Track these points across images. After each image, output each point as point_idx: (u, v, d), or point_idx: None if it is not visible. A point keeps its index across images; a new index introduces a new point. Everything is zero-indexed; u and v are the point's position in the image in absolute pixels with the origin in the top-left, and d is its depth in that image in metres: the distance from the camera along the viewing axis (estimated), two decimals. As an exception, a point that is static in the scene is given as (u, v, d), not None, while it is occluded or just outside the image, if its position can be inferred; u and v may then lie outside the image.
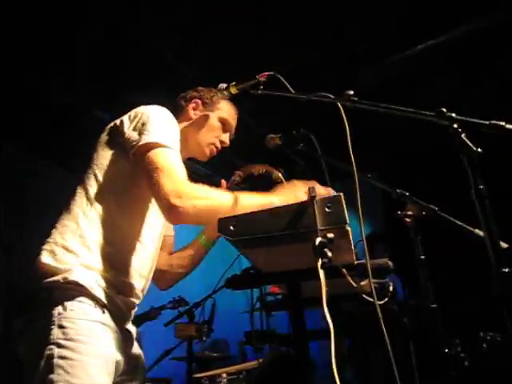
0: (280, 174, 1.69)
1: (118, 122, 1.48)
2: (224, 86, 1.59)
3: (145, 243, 1.47)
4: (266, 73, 1.57)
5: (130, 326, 1.47)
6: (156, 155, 1.32)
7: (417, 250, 1.60)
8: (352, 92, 1.41)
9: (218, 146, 1.74)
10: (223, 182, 1.80)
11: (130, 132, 1.40)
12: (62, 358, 1.17)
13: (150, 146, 1.33)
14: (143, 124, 1.39)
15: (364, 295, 1.34)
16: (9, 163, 4.26)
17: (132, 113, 1.47)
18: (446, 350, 2.48)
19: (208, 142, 1.72)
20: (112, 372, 1.28)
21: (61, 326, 1.20)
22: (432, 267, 1.64)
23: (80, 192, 1.41)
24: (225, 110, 1.76)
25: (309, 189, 1.06)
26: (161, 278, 1.68)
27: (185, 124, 1.72)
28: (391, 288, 2.48)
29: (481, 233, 1.46)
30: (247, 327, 4.52)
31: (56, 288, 1.25)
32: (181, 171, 1.33)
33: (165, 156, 1.33)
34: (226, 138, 1.76)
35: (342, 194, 1.07)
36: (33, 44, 3.47)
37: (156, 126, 1.39)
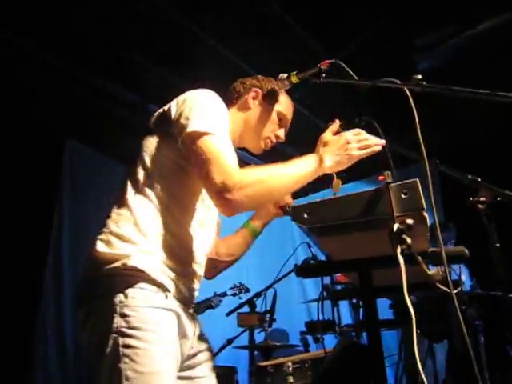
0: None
1: (166, 107, 1.44)
2: (285, 75, 1.57)
3: (199, 228, 1.44)
4: (328, 60, 1.55)
5: (192, 311, 1.46)
6: (205, 144, 1.28)
7: (491, 237, 1.54)
8: (420, 76, 1.37)
9: (274, 140, 1.69)
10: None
11: (177, 118, 1.36)
12: (127, 346, 1.17)
13: (198, 134, 1.29)
14: (190, 109, 1.34)
15: (438, 284, 1.31)
16: (72, 158, 4.46)
17: (180, 98, 1.43)
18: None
19: (265, 136, 1.67)
20: (178, 356, 1.29)
21: (123, 315, 1.19)
22: (507, 256, 1.58)
23: (130, 180, 1.39)
24: (283, 104, 1.70)
25: (384, 174, 1.04)
26: (208, 265, 1.59)
27: (243, 113, 1.67)
28: (463, 277, 2.42)
29: None
30: (304, 318, 4.55)
31: (116, 275, 1.24)
32: (230, 159, 1.29)
33: (214, 145, 1.28)
34: (281, 133, 1.71)
35: (417, 179, 1.05)
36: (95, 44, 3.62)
37: (204, 112, 1.34)
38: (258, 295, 3.27)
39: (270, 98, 1.68)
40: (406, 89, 1.34)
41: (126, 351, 1.16)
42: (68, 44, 3.64)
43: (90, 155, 4.60)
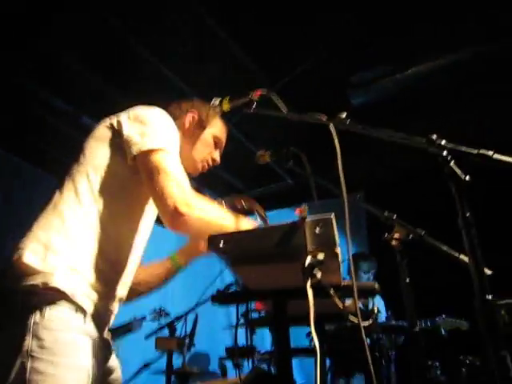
0: (262, 212, 1.67)
1: (114, 121, 1.41)
2: (217, 101, 1.59)
3: (132, 251, 1.42)
4: (259, 91, 1.59)
5: (107, 334, 1.42)
6: (161, 159, 1.29)
7: (402, 273, 1.62)
8: (344, 115, 1.43)
9: (210, 162, 1.72)
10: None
11: (130, 134, 1.34)
12: (36, 371, 1.09)
13: (155, 152, 1.30)
14: (145, 127, 1.34)
15: (350, 315, 1.35)
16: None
17: (131, 113, 1.42)
18: (427, 374, 2.51)
19: (201, 158, 1.69)
20: (89, 382, 1.20)
21: (36, 337, 1.11)
22: (417, 290, 1.66)
23: (68, 188, 1.33)
24: (218, 127, 1.74)
25: (301, 208, 1.07)
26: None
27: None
28: (376, 310, 2.51)
29: (465, 258, 1.49)
30: (227, 343, 4.52)
31: (35, 292, 1.15)
32: (186, 179, 1.31)
33: (170, 161, 1.30)
34: (217, 155, 1.74)
35: (332, 215, 1.08)
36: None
37: (160, 130, 1.36)
38: (178, 319, 3.21)
39: (204, 121, 1.70)
40: (330, 126, 1.40)
41: (34, 377, 1.08)
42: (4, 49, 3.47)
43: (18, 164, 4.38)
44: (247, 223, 1.38)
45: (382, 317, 3.57)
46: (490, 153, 1.09)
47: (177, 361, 3.31)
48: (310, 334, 2.91)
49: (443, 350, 2.91)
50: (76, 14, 3.23)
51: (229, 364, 3.37)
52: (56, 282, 1.18)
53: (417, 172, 4.69)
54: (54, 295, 1.16)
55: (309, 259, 1.00)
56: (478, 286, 0.98)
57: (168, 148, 1.32)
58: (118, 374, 1.46)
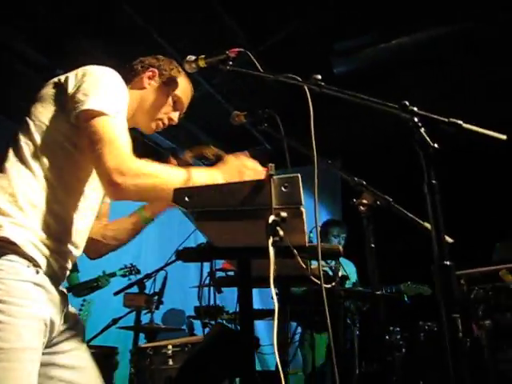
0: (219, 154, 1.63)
1: (62, 78, 1.38)
2: (193, 58, 1.55)
3: (81, 210, 1.41)
4: (237, 49, 1.55)
5: (63, 288, 1.43)
6: (100, 125, 1.26)
7: (368, 237, 1.64)
8: (319, 76, 1.41)
9: (166, 122, 1.66)
10: (171, 158, 1.69)
11: (74, 91, 1.31)
12: None
13: (96, 114, 1.26)
14: (90, 86, 1.30)
15: (313, 278, 1.36)
16: None
17: (80, 71, 1.37)
18: (387, 337, 2.59)
19: (156, 117, 1.63)
20: (45, 333, 1.24)
21: None
22: (381, 256, 1.69)
23: (14, 148, 1.33)
24: (181, 87, 1.67)
25: (268, 166, 1.06)
26: (92, 246, 1.58)
27: (136, 92, 1.61)
28: (340, 273, 2.56)
29: (429, 226, 1.52)
30: (197, 302, 4.57)
31: None
32: (126, 144, 1.27)
33: (110, 126, 1.26)
34: (175, 116, 1.67)
35: (298, 174, 1.08)
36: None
37: (103, 90, 1.31)
38: (148, 276, 3.23)
39: (166, 79, 1.65)
40: (305, 87, 1.39)
41: None
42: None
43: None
44: (194, 173, 1.32)
45: (354, 282, 3.66)
46: (460, 122, 1.10)
47: (146, 318, 3.34)
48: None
49: (405, 315, 3.02)
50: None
51: (197, 324, 3.43)
52: (6, 233, 1.20)
53: (392, 140, 4.73)
54: (4, 247, 1.18)
55: (272, 217, 1.00)
56: (437, 251, 1.00)
57: (110, 111, 1.28)
58: (79, 320, 1.49)
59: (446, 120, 1.11)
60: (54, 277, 1.32)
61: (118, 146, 1.24)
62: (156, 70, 1.64)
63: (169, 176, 1.27)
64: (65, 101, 1.33)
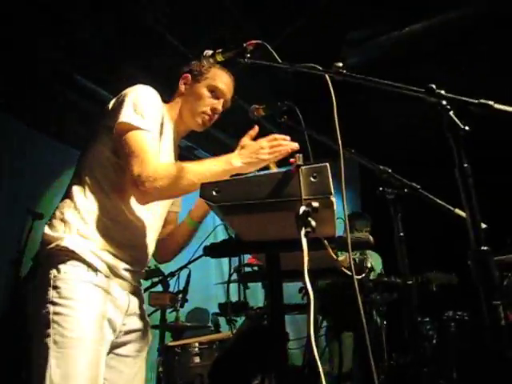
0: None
1: (109, 103, 1.57)
2: (210, 52, 1.55)
3: (138, 216, 1.54)
4: (254, 41, 1.54)
5: (133, 291, 1.55)
6: (129, 138, 1.42)
7: (396, 227, 1.61)
8: (341, 64, 1.39)
9: (210, 113, 1.73)
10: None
11: (112, 110, 1.51)
12: (57, 314, 1.31)
13: (125, 127, 1.43)
14: (123, 103, 1.48)
15: (343, 269, 1.34)
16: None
17: (122, 92, 1.55)
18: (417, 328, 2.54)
19: (198, 111, 1.72)
20: (104, 326, 1.39)
21: (55, 287, 1.35)
22: (411, 244, 1.65)
23: (77, 171, 1.55)
24: (213, 76, 1.75)
25: (295, 157, 1.04)
26: (158, 251, 1.73)
27: (178, 99, 1.76)
28: (369, 264, 2.53)
29: (461, 212, 1.48)
30: (220, 299, 4.58)
31: (52, 254, 1.39)
32: (150, 153, 1.41)
33: (136, 138, 1.42)
34: (218, 104, 1.74)
35: (327, 164, 1.06)
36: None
37: (135, 106, 1.46)
38: (171, 275, 3.23)
39: (197, 76, 1.75)
40: (326, 76, 1.36)
41: (56, 318, 1.31)
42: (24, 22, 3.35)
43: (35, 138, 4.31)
44: (207, 162, 1.46)
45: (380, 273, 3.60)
46: (491, 102, 1.06)
47: (171, 316, 3.35)
48: (301, 289, 2.94)
49: (433, 305, 2.96)
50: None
51: (223, 320, 3.42)
52: (66, 243, 1.39)
53: (413, 126, 4.65)
54: (66, 255, 1.39)
55: (303, 207, 0.98)
56: (473, 236, 0.96)
57: (137, 124, 1.43)
58: (142, 325, 1.60)
59: (476, 101, 1.07)
60: (117, 280, 1.47)
61: (143, 156, 1.39)
62: (188, 74, 1.77)
63: (185, 172, 1.40)
64: (108, 119, 1.50)
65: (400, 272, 1.63)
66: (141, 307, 1.60)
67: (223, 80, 1.76)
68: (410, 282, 1.57)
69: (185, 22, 3.71)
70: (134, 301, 1.56)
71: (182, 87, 1.77)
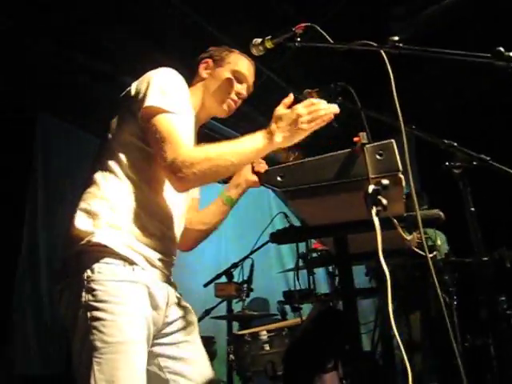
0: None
1: (131, 87, 1.49)
2: (259, 40, 1.54)
3: (166, 204, 1.47)
4: (303, 24, 1.51)
5: (169, 281, 1.49)
6: (158, 122, 1.35)
7: (467, 202, 1.54)
8: (397, 38, 1.34)
9: (235, 98, 1.68)
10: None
11: (136, 95, 1.42)
12: (95, 319, 1.24)
13: (154, 111, 1.35)
14: (148, 86, 1.40)
15: (415, 248, 1.30)
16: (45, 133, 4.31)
17: (143, 76, 1.48)
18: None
19: (223, 98, 1.67)
20: (147, 325, 1.32)
21: (90, 289, 1.26)
22: (482, 220, 1.58)
23: (98, 159, 1.45)
24: (235, 61, 1.70)
25: (359, 135, 1.01)
26: (181, 238, 1.61)
27: (199, 85, 1.70)
28: (439, 242, 2.45)
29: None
30: (283, 287, 4.58)
31: (83, 252, 1.29)
32: (183, 137, 1.35)
33: (168, 123, 1.35)
34: (242, 89, 1.69)
35: (393, 140, 1.02)
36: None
37: (161, 89, 1.39)
38: (235, 266, 3.26)
39: (219, 61, 1.70)
40: (382, 51, 1.32)
41: (94, 324, 1.24)
42: (41, 15, 3.48)
43: (63, 129, 4.46)
44: (244, 141, 1.35)
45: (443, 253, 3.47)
46: None
47: (236, 306, 3.39)
48: (368, 273, 2.89)
49: (508, 283, 2.82)
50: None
51: (287, 308, 3.42)
52: (98, 238, 1.29)
53: (472, 98, 4.41)
54: (100, 251, 1.29)
55: (372, 186, 0.96)
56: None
57: (168, 107, 1.36)
58: (186, 312, 1.53)
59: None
60: (154, 271, 1.39)
61: (175, 141, 1.32)
62: (209, 59, 1.71)
63: (222, 154, 1.31)
64: (132, 104, 1.42)
65: (472, 250, 1.56)
66: (178, 296, 1.52)
67: (246, 66, 1.72)
68: (486, 259, 1.50)
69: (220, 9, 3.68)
70: (172, 291, 1.49)
71: (203, 72, 1.70)
